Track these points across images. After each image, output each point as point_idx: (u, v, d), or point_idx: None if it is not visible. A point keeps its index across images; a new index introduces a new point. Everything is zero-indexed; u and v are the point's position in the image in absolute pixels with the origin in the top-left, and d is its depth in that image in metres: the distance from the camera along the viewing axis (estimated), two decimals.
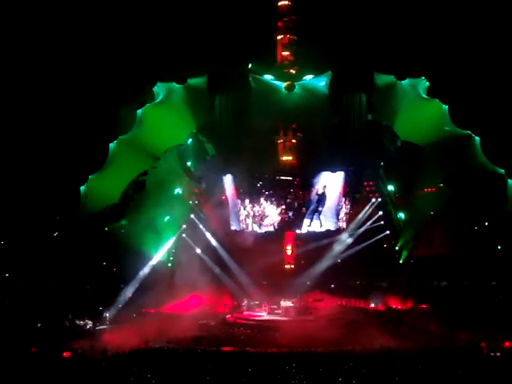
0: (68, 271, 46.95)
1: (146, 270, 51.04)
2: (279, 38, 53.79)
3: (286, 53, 53.86)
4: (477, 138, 49.34)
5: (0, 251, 49.87)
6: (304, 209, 52.35)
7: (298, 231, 53.04)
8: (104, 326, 45.10)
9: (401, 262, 53.29)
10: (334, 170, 52.08)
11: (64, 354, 32.93)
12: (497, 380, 25.28)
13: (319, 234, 53.35)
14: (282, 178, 52.50)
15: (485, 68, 51.01)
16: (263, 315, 49.42)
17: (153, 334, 37.91)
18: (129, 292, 49.69)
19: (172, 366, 28.59)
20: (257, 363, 29.26)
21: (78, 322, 43.94)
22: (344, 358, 30.69)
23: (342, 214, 53.05)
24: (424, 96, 50.71)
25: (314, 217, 52.39)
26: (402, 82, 50.66)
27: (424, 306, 47.41)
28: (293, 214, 52.67)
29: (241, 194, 53.01)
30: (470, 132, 49.45)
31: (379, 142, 52.45)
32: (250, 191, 53.02)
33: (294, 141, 53.02)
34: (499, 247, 51.01)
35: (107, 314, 46.48)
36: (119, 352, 32.76)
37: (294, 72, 53.36)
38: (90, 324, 44.68)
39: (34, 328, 41.78)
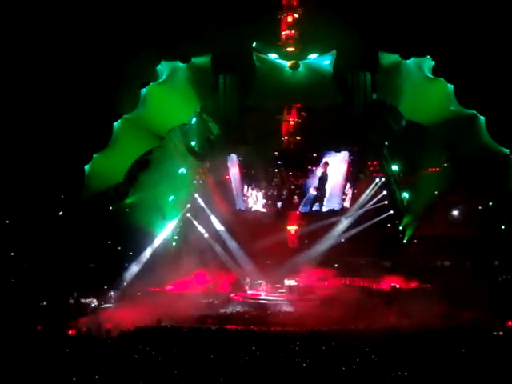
0: (73, 250, 47.10)
1: (150, 249, 51.31)
2: (283, 16, 53.44)
3: (290, 32, 53.53)
4: (482, 118, 49.13)
5: (5, 230, 50.02)
6: (307, 188, 52.50)
7: (301, 211, 53.11)
8: (109, 305, 45.40)
9: (405, 241, 53.42)
10: (338, 150, 52.11)
11: (69, 332, 33.10)
12: (500, 359, 25.36)
13: (323, 214, 53.48)
14: (286, 157, 52.56)
15: (490, 47, 50.63)
16: (267, 294, 49.57)
17: (157, 313, 38.06)
18: (133, 271, 49.99)
19: (176, 344, 28.73)
20: (261, 341, 29.41)
21: (83, 300, 44.21)
22: (347, 337, 30.83)
23: (345, 194, 53.15)
24: (429, 75, 50.42)
25: (317, 196, 52.54)
26: (407, 61, 50.37)
27: (427, 286, 47.52)
28: (297, 194, 52.79)
29: (245, 173, 53.08)
30: (475, 112, 49.24)
31: (384, 122, 52.26)
32: (254, 171, 53.06)
33: (298, 120, 52.87)
34: (503, 227, 51.09)
35: (112, 293, 46.75)
36: (124, 330, 32.95)
37: (298, 51, 53.06)
38: (94, 302, 44.95)
39: (39, 306, 42.15)
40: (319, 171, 52.10)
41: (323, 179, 52.47)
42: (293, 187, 52.68)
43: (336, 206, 53.34)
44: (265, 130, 51.45)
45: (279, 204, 53.23)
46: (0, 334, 30.29)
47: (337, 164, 52.12)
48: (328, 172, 52.30)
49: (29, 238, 48.70)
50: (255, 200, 53.59)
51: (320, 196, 52.76)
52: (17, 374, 22.93)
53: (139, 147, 50.34)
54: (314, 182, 52.29)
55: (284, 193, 52.72)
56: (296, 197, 52.81)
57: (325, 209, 53.49)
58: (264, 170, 52.65)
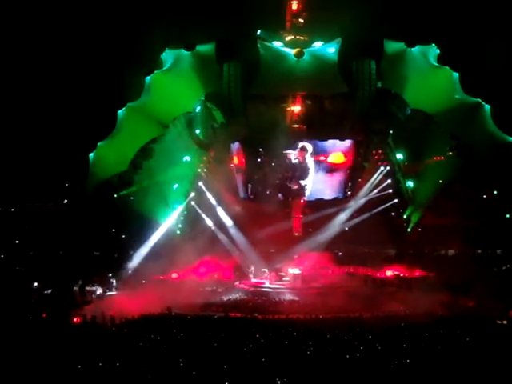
0: (78, 238, 47.22)
1: (154, 237, 51.40)
2: (288, 4, 53.24)
3: (295, 19, 53.33)
4: (487, 106, 48.97)
5: (10, 218, 50.18)
6: (311, 176, 52.63)
7: (305, 199, 53.17)
8: (113, 293, 45.53)
9: (409, 230, 53.43)
10: (342, 138, 52.04)
11: (74, 319, 33.25)
12: (503, 347, 25.42)
13: (327, 202, 53.55)
14: (291, 145, 52.57)
15: (496, 35, 50.34)
16: (271, 282, 49.67)
17: (162, 300, 38.16)
18: (138, 259, 50.10)
19: (180, 332, 28.85)
20: (265, 329, 29.49)
21: (87, 288, 44.37)
22: (351, 325, 30.91)
23: (350, 183, 53.18)
24: (434, 63, 50.20)
25: (319, 185, 52.70)
26: (412, 49, 50.13)
27: (431, 274, 47.54)
28: (300, 182, 52.87)
29: (249, 161, 53.07)
30: (480, 100, 49.08)
31: (388, 110, 52.17)
32: (258, 159, 53.09)
33: (302, 108, 52.76)
34: (507, 216, 51.03)
35: (116, 281, 46.90)
36: (128, 318, 33.06)
37: (303, 39, 52.88)
38: (99, 290, 45.11)
39: (44, 294, 42.33)
40: (321, 159, 52.23)
41: (325, 167, 52.59)
42: (297, 175, 52.77)
43: (340, 195, 53.42)
44: (269, 118, 51.38)
45: (283, 192, 53.41)
46: (5, 322, 30.44)
47: (341, 152, 52.17)
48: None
49: (34, 226, 48.83)
50: (259, 188, 53.68)
51: (321, 184, 52.94)
52: (22, 361, 23.04)
53: (144, 135, 50.35)
54: (315, 170, 52.45)
55: (288, 181, 52.82)
56: (300, 185, 52.93)
57: (329, 197, 53.59)
58: (268, 158, 52.72)
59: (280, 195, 53.80)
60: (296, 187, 52.68)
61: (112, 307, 35.95)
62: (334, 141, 52.32)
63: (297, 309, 39.21)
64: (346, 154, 52.80)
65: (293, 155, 52.70)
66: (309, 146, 52.47)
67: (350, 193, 53.77)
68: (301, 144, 52.30)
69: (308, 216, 54.37)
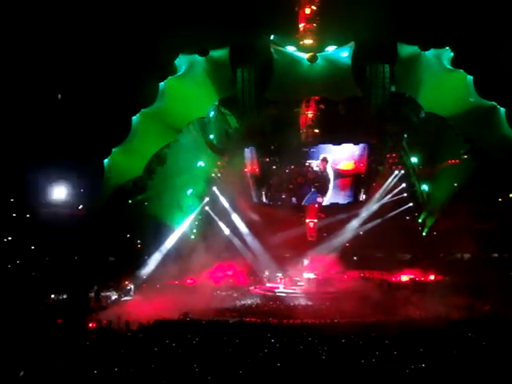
0: (93, 243, 47.41)
1: (169, 243, 51.54)
2: (301, 8, 53.25)
3: (308, 24, 53.33)
4: (502, 109, 48.59)
5: (26, 225, 50.49)
6: (324, 181, 52.57)
7: (320, 203, 53.11)
8: (128, 298, 45.71)
9: (424, 234, 53.22)
10: (356, 142, 51.95)
11: (89, 324, 33.38)
12: None
13: (342, 207, 53.46)
14: (304, 150, 52.58)
15: (510, 38, 50.07)
16: (285, 287, 49.65)
17: (177, 306, 38.23)
18: (152, 264, 50.24)
19: (195, 337, 28.88)
20: (280, 334, 29.46)
21: (103, 293, 44.56)
22: (366, 330, 30.82)
23: (364, 187, 53.07)
24: (448, 67, 49.92)
25: (333, 189, 52.66)
26: (426, 52, 49.84)
27: (447, 278, 47.34)
28: (315, 187, 52.85)
29: (263, 166, 53.11)
30: (494, 103, 48.78)
31: (402, 114, 52.04)
32: (272, 164, 53.11)
33: (316, 113, 52.71)
34: None
35: (132, 286, 47.06)
36: (143, 323, 33.14)
37: (316, 43, 52.86)
38: (114, 295, 45.33)
39: (59, 299, 42.54)
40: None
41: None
42: (311, 180, 52.76)
43: (354, 199, 53.34)
44: (283, 123, 51.42)
45: (298, 197, 53.39)
46: (21, 327, 30.61)
47: (355, 156, 52.10)
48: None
49: (49, 232, 49.07)
50: (273, 193, 53.72)
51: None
52: (37, 367, 23.16)
53: (158, 141, 50.45)
54: (329, 175, 52.43)
55: (302, 185, 52.80)
56: (314, 189, 52.94)
57: (344, 202, 53.52)
58: (282, 163, 52.74)
59: (294, 200, 53.74)
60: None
61: (127, 312, 36.07)
62: (348, 145, 52.19)
63: (312, 313, 39.20)
64: (360, 158, 52.63)
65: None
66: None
67: (364, 197, 53.61)
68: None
69: (322, 220, 54.32)
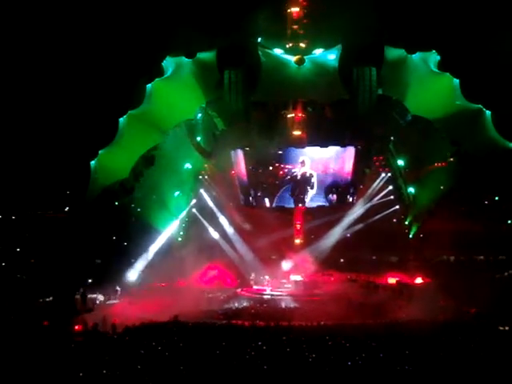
0: (79, 246, 47.18)
1: (156, 245, 51.40)
2: (289, 11, 53.25)
3: (295, 26, 53.32)
4: (488, 112, 48.96)
5: (11, 226, 50.20)
6: (311, 184, 52.49)
7: (307, 206, 53.09)
8: (115, 301, 45.53)
9: (410, 236, 53.40)
10: (343, 145, 51.99)
11: (76, 327, 33.23)
12: (506, 354, 25.37)
13: (328, 209, 53.46)
14: (291, 152, 52.50)
15: (496, 41, 50.34)
16: (272, 289, 49.65)
17: (164, 308, 38.16)
18: (139, 266, 50.09)
19: (182, 340, 28.81)
20: (267, 337, 29.44)
21: (89, 296, 44.35)
22: (353, 332, 30.84)
23: (351, 189, 53.11)
24: (435, 70, 50.14)
25: (318, 192, 52.57)
26: (413, 55, 50.06)
27: (433, 281, 47.48)
28: (302, 189, 52.78)
29: (250, 169, 53.04)
30: (481, 106, 49.09)
31: (389, 117, 52.14)
32: (259, 166, 53.04)
33: (303, 115, 52.72)
34: (509, 221, 51.04)
35: (118, 288, 46.85)
36: (129, 326, 33.00)
37: (303, 46, 52.87)
38: (101, 298, 45.13)
39: (45, 302, 42.31)
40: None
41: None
42: (298, 182, 52.67)
43: (341, 201, 53.36)
44: (270, 126, 51.40)
45: (285, 199, 53.29)
46: (7, 330, 30.43)
47: (342, 159, 52.09)
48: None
49: (35, 234, 48.84)
50: (260, 195, 53.61)
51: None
52: (23, 369, 23.03)
53: (145, 143, 50.42)
54: (317, 178, 52.39)
55: (289, 188, 52.73)
56: (301, 192, 52.81)
57: (330, 204, 53.52)
58: (269, 165, 52.66)
59: (281, 202, 53.65)
60: (301, 196, 52.50)
61: (113, 315, 35.96)
62: (334, 148, 52.21)
63: (299, 316, 39.19)
64: (347, 160, 52.64)
65: (297, 167, 52.47)
66: (307, 159, 52.00)
67: (351, 199, 53.63)
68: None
69: (309, 223, 54.33)
